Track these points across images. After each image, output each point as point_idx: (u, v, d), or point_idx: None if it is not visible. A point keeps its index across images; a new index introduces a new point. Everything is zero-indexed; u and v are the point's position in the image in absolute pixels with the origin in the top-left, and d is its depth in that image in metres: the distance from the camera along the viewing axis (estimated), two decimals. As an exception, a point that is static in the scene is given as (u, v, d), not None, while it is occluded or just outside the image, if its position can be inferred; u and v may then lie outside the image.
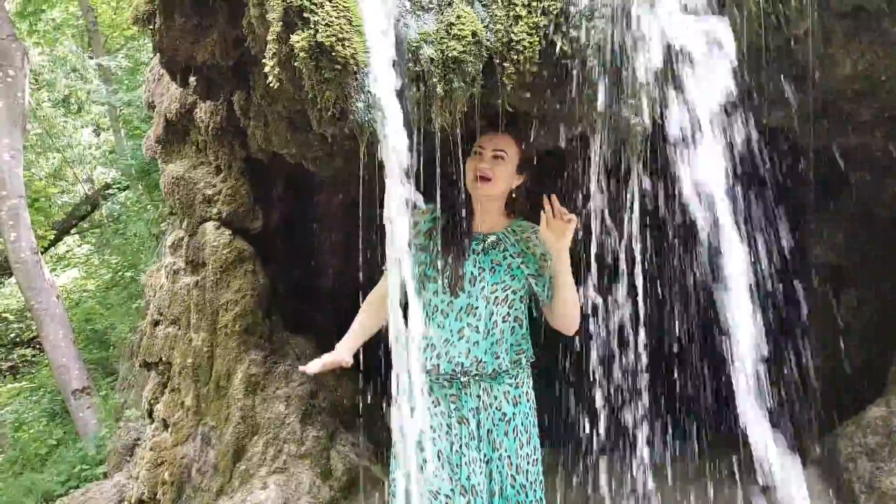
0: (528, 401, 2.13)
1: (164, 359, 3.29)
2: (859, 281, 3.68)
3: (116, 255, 9.42)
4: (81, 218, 11.96)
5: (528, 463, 2.08)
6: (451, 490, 1.98)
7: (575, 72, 1.62)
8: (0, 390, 9.63)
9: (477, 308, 2.02)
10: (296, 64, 1.52)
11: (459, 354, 2.01)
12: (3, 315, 12.51)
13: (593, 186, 1.73)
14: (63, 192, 12.42)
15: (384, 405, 2.10)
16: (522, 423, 2.09)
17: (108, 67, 8.85)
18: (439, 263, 2.04)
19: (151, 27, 2.35)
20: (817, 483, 2.80)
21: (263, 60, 1.65)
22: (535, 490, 2.08)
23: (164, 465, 3.03)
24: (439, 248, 2.05)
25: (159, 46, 2.38)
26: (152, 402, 3.42)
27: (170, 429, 3.13)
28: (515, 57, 1.64)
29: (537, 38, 1.63)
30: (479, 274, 2.04)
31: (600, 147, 1.66)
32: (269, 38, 1.58)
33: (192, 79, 2.65)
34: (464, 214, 2.08)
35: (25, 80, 6.79)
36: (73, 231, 12.32)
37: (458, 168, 2.04)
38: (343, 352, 2.15)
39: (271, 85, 1.63)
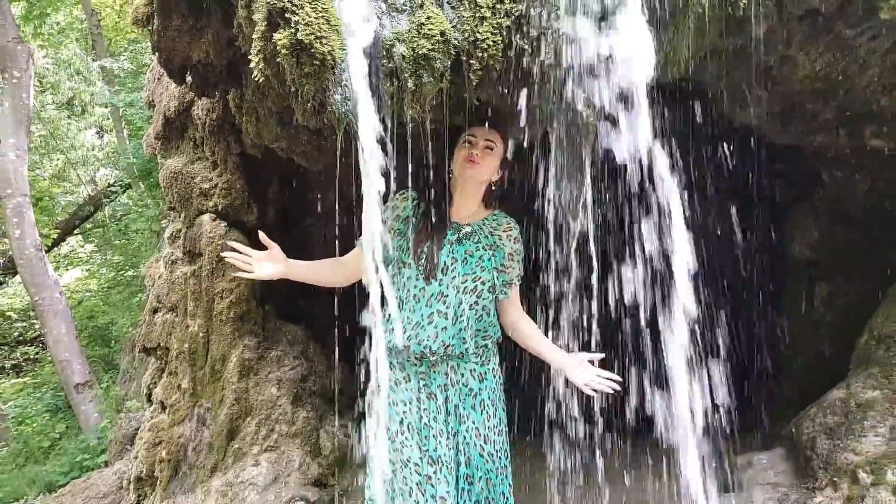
0: (494, 377, 2.27)
1: (162, 344, 3.43)
2: (832, 275, 3.81)
3: (119, 254, 9.57)
4: (84, 218, 12.11)
5: (495, 433, 2.22)
6: (420, 459, 2.12)
7: (535, 68, 1.78)
8: (3, 386, 9.79)
9: (447, 296, 2.14)
10: (279, 60, 1.68)
11: (428, 338, 2.13)
12: (7, 314, 12.67)
13: (552, 175, 1.87)
14: (67, 193, 12.59)
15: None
16: (489, 398, 2.23)
17: (112, 70, 9.01)
18: (416, 251, 2.17)
19: (150, 28, 2.51)
20: (783, 462, 2.94)
21: (251, 57, 1.81)
22: (500, 458, 2.23)
23: (161, 445, 3.17)
24: (417, 235, 2.18)
25: (157, 46, 2.54)
26: (151, 386, 3.57)
27: (167, 410, 3.28)
28: (481, 55, 1.79)
29: (500, 38, 1.78)
30: (452, 264, 2.16)
31: (558, 139, 1.81)
32: (255, 36, 1.74)
33: (188, 77, 2.80)
34: (444, 204, 2.22)
35: (30, 81, 6.96)
36: (76, 231, 12.48)
37: (438, 160, 2.20)
38: (281, 259, 2.22)
39: (257, 79, 1.79)
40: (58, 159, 12.29)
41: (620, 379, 2.15)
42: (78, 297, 10.70)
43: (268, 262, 2.19)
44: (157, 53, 2.60)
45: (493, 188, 2.24)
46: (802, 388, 3.80)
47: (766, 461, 2.98)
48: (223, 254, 2.17)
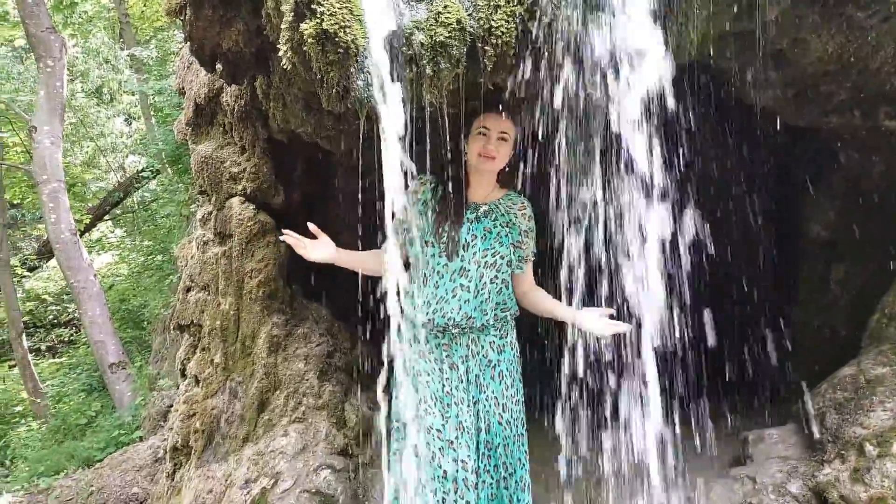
0: (511, 349, 2.41)
1: (195, 321, 3.60)
2: (848, 256, 3.84)
3: (148, 239, 9.82)
4: (114, 204, 12.41)
5: (512, 403, 2.36)
6: (442, 425, 2.26)
7: (546, 54, 1.87)
8: (41, 366, 10.14)
9: (469, 271, 2.29)
10: (305, 48, 1.79)
11: (452, 311, 2.28)
12: (43, 297, 13.05)
13: (561, 157, 1.97)
14: (98, 180, 12.89)
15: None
16: (507, 369, 2.37)
17: (141, 58, 9.20)
18: (437, 230, 2.31)
19: (182, 18, 2.63)
20: (793, 436, 3.01)
21: (278, 46, 1.92)
22: (517, 426, 2.37)
23: (195, 416, 3.35)
24: (438, 216, 2.32)
25: (189, 35, 2.67)
26: (185, 361, 3.74)
27: (201, 384, 3.44)
28: (495, 41, 1.89)
29: (514, 25, 1.88)
30: (472, 241, 2.31)
31: (567, 122, 1.91)
32: (283, 26, 1.85)
33: (218, 65, 2.93)
34: (461, 186, 2.35)
35: (63, 70, 7.16)
36: (106, 217, 12.79)
37: (455, 143, 2.31)
38: (331, 246, 2.42)
39: (285, 67, 1.90)
40: (88, 146, 12.57)
41: (630, 326, 2.25)
42: (108, 282, 10.99)
43: (321, 246, 2.39)
44: (188, 42, 2.73)
45: (507, 169, 2.37)
46: (817, 367, 3.86)
47: (777, 436, 3.07)
48: (281, 238, 2.39)
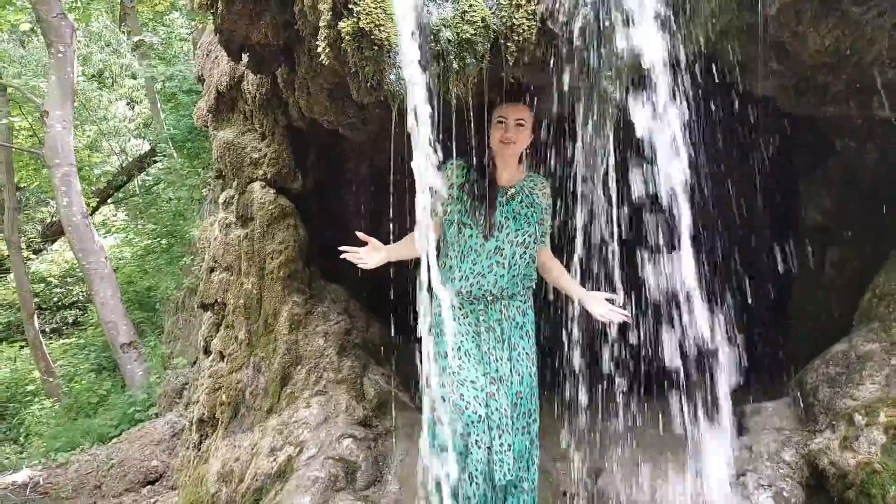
0: (531, 311, 2.70)
1: (219, 300, 3.76)
2: (843, 241, 3.99)
3: (154, 222, 9.93)
4: (118, 188, 12.49)
5: (534, 356, 2.67)
6: (477, 377, 2.52)
7: (564, 50, 2.02)
8: (51, 347, 10.29)
9: (503, 249, 2.55)
10: (342, 45, 1.94)
11: (489, 284, 2.55)
12: (48, 280, 13.17)
13: (578, 144, 2.13)
14: (101, 163, 12.94)
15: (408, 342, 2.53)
16: (530, 329, 2.67)
17: (152, 43, 9.25)
18: (474, 213, 2.54)
19: (213, 11, 2.76)
20: (787, 409, 3.19)
21: (315, 42, 2.06)
22: (535, 377, 2.68)
23: (221, 390, 3.52)
24: (472, 200, 2.55)
25: (219, 28, 2.80)
26: (208, 338, 3.91)
27: (225, 359, 3.61)
28: (517, 38, 2.04)
29: (534, 23, 2.03)
30: (505, 222, 2.56)
31: (584, 113, 2.06)
32: (321, 24, 1.99)
33: (244, 55, 3.06)
34: (490, 171, 2.57)
35: (74, 56, 7.24)
36: (109, 200, 12.86)
37: (481, 132, 2.49)
38: (380, 245, 2.55)
39: (322, 61, 2.04)
40: (90, 130, 12.62)
41: (629, 314, 2.54)
42: (113, 265, 11.10)
43: (374, 252, 2.54)
44: (218, 34, 2.86)
45: (527, 151, 2.60)
46: (811, 347, 4.02)
47: (773, 409, 3.24)
48: (342, 256, 2.50)
